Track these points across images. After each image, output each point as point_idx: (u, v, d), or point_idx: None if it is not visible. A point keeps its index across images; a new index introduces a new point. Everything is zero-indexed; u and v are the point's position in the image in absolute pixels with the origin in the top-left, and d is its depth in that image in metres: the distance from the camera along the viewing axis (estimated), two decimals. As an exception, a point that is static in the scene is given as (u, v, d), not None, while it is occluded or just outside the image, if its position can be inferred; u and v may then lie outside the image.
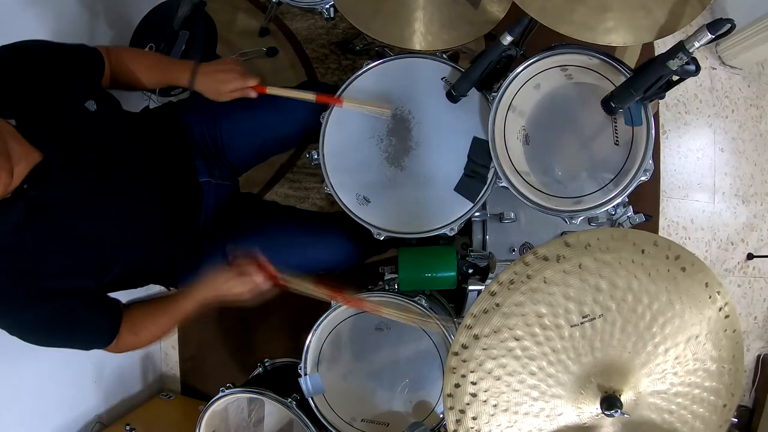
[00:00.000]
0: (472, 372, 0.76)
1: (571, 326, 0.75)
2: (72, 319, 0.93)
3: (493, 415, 0.77)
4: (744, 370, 0.81)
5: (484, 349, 0.76)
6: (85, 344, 0.99)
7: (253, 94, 1.10)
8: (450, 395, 0.77)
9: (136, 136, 1.04)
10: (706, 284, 0.76)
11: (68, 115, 0.92)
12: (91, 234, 0.93)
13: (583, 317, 0.75)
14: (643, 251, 0.74)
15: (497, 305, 0.75)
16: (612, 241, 0.74)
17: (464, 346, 0.76)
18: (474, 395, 0.77)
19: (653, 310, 0.75)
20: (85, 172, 0.91)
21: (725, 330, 0.78)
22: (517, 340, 0.75)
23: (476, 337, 0.75)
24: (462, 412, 0.77)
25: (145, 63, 1.12)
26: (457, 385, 0.77)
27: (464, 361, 0.76)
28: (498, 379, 0.76)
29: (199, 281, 1.02)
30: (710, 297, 0.76)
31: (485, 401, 0.77)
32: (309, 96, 1.11)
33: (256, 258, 1.04)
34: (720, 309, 0.77)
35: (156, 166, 1.07)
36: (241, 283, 1.01)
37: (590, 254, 0.74)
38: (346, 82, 1.17)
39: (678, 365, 0.77)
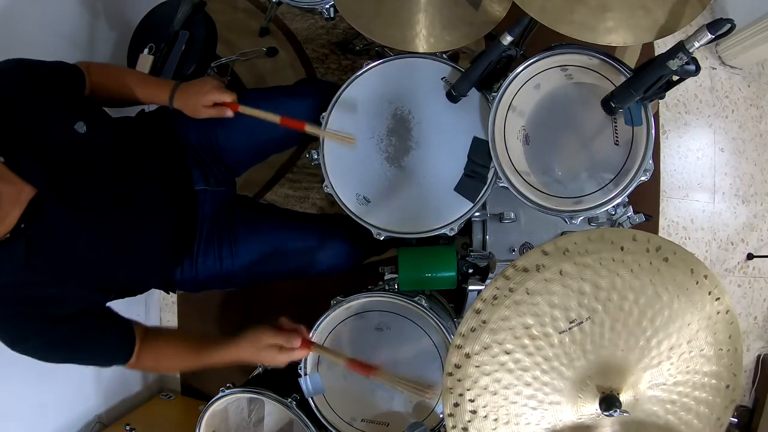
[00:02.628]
0: (468, 390, 0.77)
1: (560, 333, 0.75)
2: (86, 338, 0.94)
3: (495, 429, 0.78)
4: (743, 348, 0.81)
5: (477, 367, 0.76)
6: (104, 360, 1.01)
7: (228, 113, 1.08)
8: (451, 415, 0.77)
9: (130, 148, 1.02)
10: (692, 270, 0.76)
11: (57, 142, 0.88)
12: (92, 258, 0.92)
13: (571, 322, 0.75)
14: (622, 248, 0.74)
15: (484, 322, 0.75)
16: (590, 243, 0.74)
17: (457, 366, 0.76)
18: (474, 412, 0.77)
19: (640, 304, 0.75)
20: (78, 203, 0.89)
21: (718, 312, 0.77)
22: (508, 353, 0.76)
23: (468, 356, 0.76)
24: (465, 429, 0.77)
25: (125, 81, 1.09)
26: (456, 404, 0.77)
27: (459, 380, 0.76)
28: (495, 394, 0.77)
29: (243, 338, 1.01)
30: (698, 282, 0.76)
31: (485, 416, 0.77)
32: (274, 118, 1.07)
33: (301, 333, 1.04)
34: (709, 293, 0.77)
35: (152, 177, 1.06)
36: (282, 355, 1.01)
37: (570, 259, 0.74)
38: (347, 82, 1.17)
39: (674, 355, 0.77)
